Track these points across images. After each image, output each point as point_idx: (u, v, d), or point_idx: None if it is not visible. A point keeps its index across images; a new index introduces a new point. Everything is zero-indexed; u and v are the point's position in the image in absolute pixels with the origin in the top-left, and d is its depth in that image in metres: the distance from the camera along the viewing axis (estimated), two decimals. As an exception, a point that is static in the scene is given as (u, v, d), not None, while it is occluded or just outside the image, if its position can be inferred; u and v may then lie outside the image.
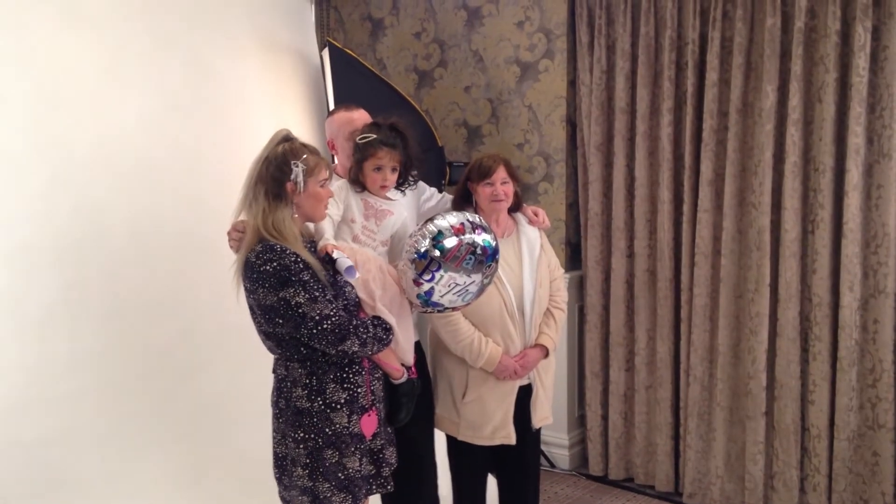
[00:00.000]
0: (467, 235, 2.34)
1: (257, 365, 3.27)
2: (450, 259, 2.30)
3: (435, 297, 2.35)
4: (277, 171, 2.17)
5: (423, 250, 2.30)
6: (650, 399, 3.92)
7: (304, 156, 2.20)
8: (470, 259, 2.33)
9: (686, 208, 3.71)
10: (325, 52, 4.03)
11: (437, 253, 2.29)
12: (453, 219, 2.36)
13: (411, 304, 2.43)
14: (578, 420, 4.26)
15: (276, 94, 3.91)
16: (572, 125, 4.12)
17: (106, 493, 3.01)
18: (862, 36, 3.20)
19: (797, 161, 3.39)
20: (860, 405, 3.35)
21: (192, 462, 3.27)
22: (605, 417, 4.10)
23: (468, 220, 2.38)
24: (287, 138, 2.25)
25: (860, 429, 3.36)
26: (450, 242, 2.31)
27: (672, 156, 3.72)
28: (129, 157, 3.22)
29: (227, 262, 3.43)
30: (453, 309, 2.45)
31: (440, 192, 3.76)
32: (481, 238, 2.36)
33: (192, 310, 3.42)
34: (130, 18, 3.28)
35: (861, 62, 3.21)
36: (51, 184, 2.98)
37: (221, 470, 3.32)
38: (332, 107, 3.94)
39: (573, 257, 4.20)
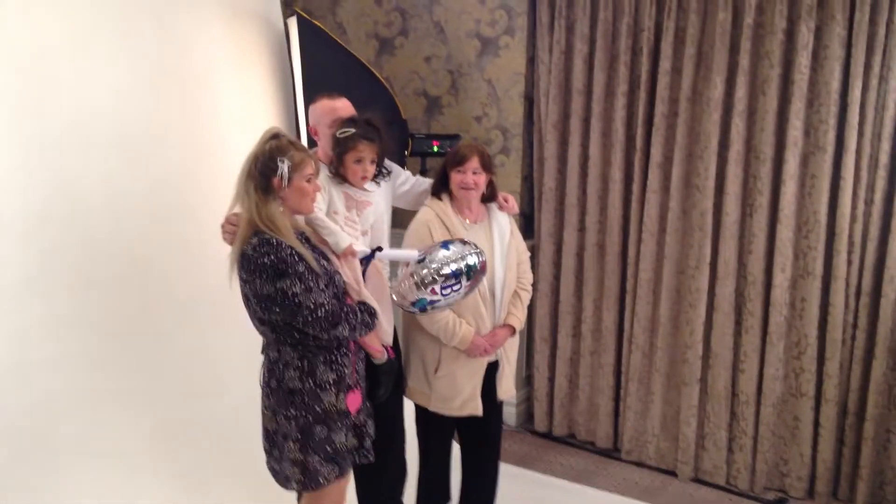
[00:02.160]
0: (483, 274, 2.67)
1: (228, 329, 3.42)
2: (471, 286, 2.65)
3: (427, 307, 2.63)
4: (265, 168, 2.29)
5: (455, 270, 2.58)
6: (594, 363, 4.20)
7: (290, 152, 2.32)
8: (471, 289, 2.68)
9: (636, 188, 3.93)
10: (292, 21, 4.06)
11: (466, 280, 2.61)
12: (478, 258, 2.65)
13: (398, 303, 2.65)
14: (526, 380, 4.52)
15: (242, 62, 3.92)
16: (530, 101, 4.28)
17: (84, 455, 3.09)
18: (805, 35, 3.44)
19: (740, 149, 3.64)
20: (785, 375, 3.69)
21: (167, 424, 3.37)
22: (551, 379, 4.37)
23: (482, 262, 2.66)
24: (275, 136, 2.35)
25: (784, 396, 3.70)
26: (476, 276, 2.64)
27: (624, 137, 3.93)
28: (102, 127, 3.22)
29: (197, 230, 3.54)
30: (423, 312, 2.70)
31: (404, 163, 3.90)
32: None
33: (164, 276, 3.48)
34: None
35: (803, 60, 3.45)
36: (27, 155, 2.98)
37: (196, 430, 3.45)
38: (297, 76, 4.00)
39: (526, 228, 4.40)
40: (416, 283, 2.56)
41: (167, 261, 3.45)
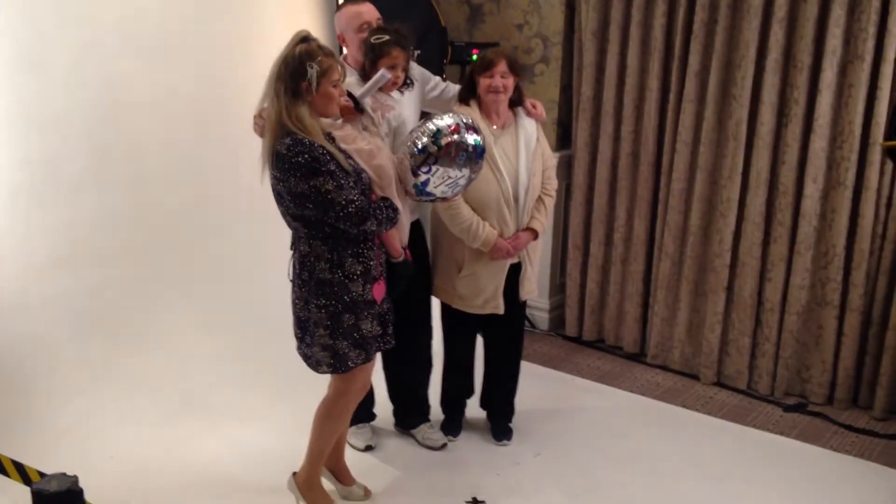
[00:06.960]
0: (462, 135, 2.60)
1: (269, 223, 3.60)
2: (444, 154, 2.59)
3: (429, 188, 2.66)
4: (294, 72, 2.38)
5: (422, 146, 2.58)
6: (624, 271, 4.30)
7: (319, 57, 2.40)
8: (462, 156, 2.61)
9: (672, 97, 3.94)
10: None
11: (435, 148, 2.57)
12: (450, 119, 2.62)
13: (406, 192, 2.72)
14: (559, 287, 4.65)
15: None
16: (571, 9, 4.26)
17: (134, 338, 3.38)
18: (849, -61, 3.35)
19: (778, 58, 3.60)
20: (811, 284, 3.74)
21: (209, 311, 3.63)
22: (582, 286, 4.48)
23: (462, 122, 2.63)
24: (305, 39, 2.43)
25: (809, 305, 3.76)
26: (446, 140, 2.58)
27: (663, 46, 3.91)
28: (150, 33, 3.37)
29: (238, 130, 3.68)
30: (443, 199, 2.75)
31: (443, 71, 3.97)
32: (473, 138, 2.63)
33: (208, 174, 3.67)
34: None
35: (846, -35, 3.38)
36: (79, 57, 3.16)
37: (236, 317, 3.69)
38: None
39: (564, 137, 4.45)
40: (411, 152, 2.58)
41: (210, 157, 3.62)
